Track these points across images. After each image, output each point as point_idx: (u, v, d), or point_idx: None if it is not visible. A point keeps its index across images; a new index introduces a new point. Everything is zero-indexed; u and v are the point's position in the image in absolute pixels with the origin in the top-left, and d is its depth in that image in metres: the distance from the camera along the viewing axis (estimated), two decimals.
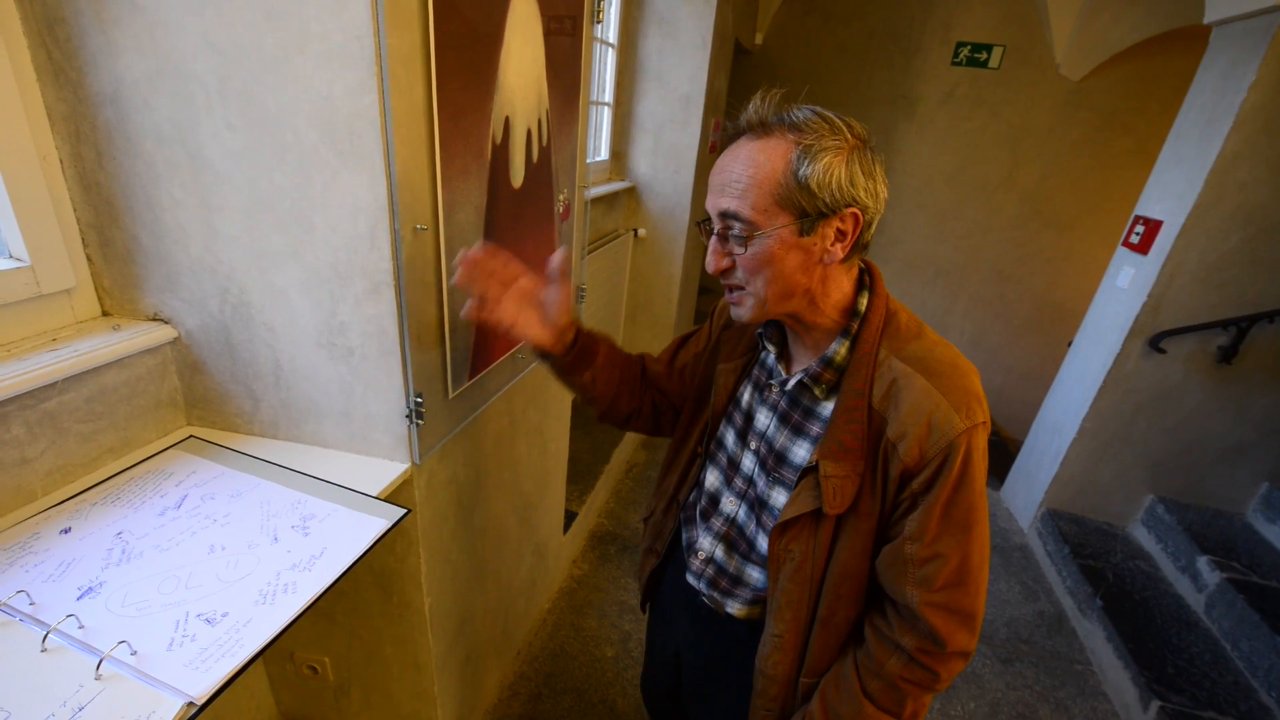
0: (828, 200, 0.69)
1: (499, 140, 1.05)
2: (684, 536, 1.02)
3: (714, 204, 0.74)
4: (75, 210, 0.94)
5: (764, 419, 0.87)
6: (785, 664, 0.85)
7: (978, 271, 4.36)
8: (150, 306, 1.00)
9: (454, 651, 1.39)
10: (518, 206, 1.17)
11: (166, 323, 1.01)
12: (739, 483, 0.91)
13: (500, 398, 1.33)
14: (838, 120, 0.70)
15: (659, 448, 3.16)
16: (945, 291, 4.48)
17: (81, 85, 0.85)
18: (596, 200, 2.75)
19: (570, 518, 2.23)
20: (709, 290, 4.54)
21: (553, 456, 1.84)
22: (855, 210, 0.70)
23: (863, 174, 0.70)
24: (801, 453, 0.81)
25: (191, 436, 1.06)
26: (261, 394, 1.04)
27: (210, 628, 0.70)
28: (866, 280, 0.80)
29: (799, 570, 0.81)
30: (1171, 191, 2.31)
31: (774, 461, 0.84)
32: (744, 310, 0.78)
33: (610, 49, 2.84)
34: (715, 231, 0.75)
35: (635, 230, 3.25)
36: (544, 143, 1.22)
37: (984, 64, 3.83)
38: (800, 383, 0.81)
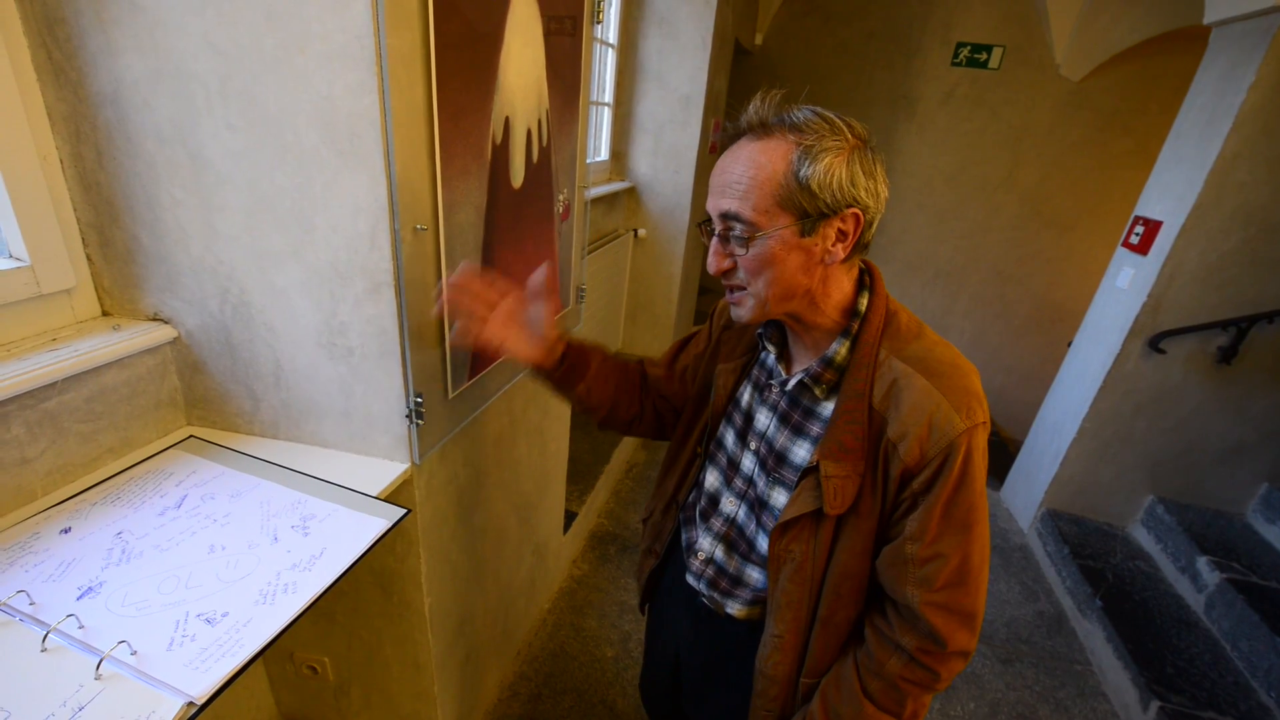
0: (829, 201, 0.69)
1: (499, 140, 1.05)
2: (683, 537, 1.02)
3: (715, 205, 0.74)
4: (75, 210, 0.94)
5: (764, 419, 0.87)
6: (785, 664, 0.85)
7: (978, 272, 4.36)
8: (150, 306, 1.00)
9: (454, 651, 1.39)
10: (518, 207, 1.17)
11: (167, 323, 1.01)
12: (739, 483, 0.91)
13: (500, 398, 1.33)
14: (838, 120, 0.70)
15: (659, 448, 3.16)
16: (945, 292, 4.48)
17: (82, 85, 0.86)
18: (596, 200, 2.75)
19: (570, 518, 2.23)
20: (709, 290, 4.54)
21: (553, 456, 1.84)
22: (856, 210, 0.70)
23: (863, 174, 0.70)
24: (802, 453, 0.81)
25: (191, 436, 1.06)
26: (261, 394, 1.04)
27: (210, 628, 0.70)
28: (867, 280, 0.81)
29: (799, 570, 0.81)
30: (1171, 192, 2.32)
31: (774, 462, 0.84)
32: (744, 310, 0.78)
33: (610, 49, 2.84)
34: (716, 232, 0.75)
35: (635, 230, 3.25)
36: (544, 143, 1.22)
37: (984, 64, 3.83)
38: (800, 383, 0.81)
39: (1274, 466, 2.51)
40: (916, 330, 0.79)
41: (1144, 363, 2.45)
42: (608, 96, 2.93)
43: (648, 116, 3.06)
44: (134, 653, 0.65)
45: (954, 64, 3.88)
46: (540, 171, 1.23)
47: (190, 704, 0.61)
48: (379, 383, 0.98)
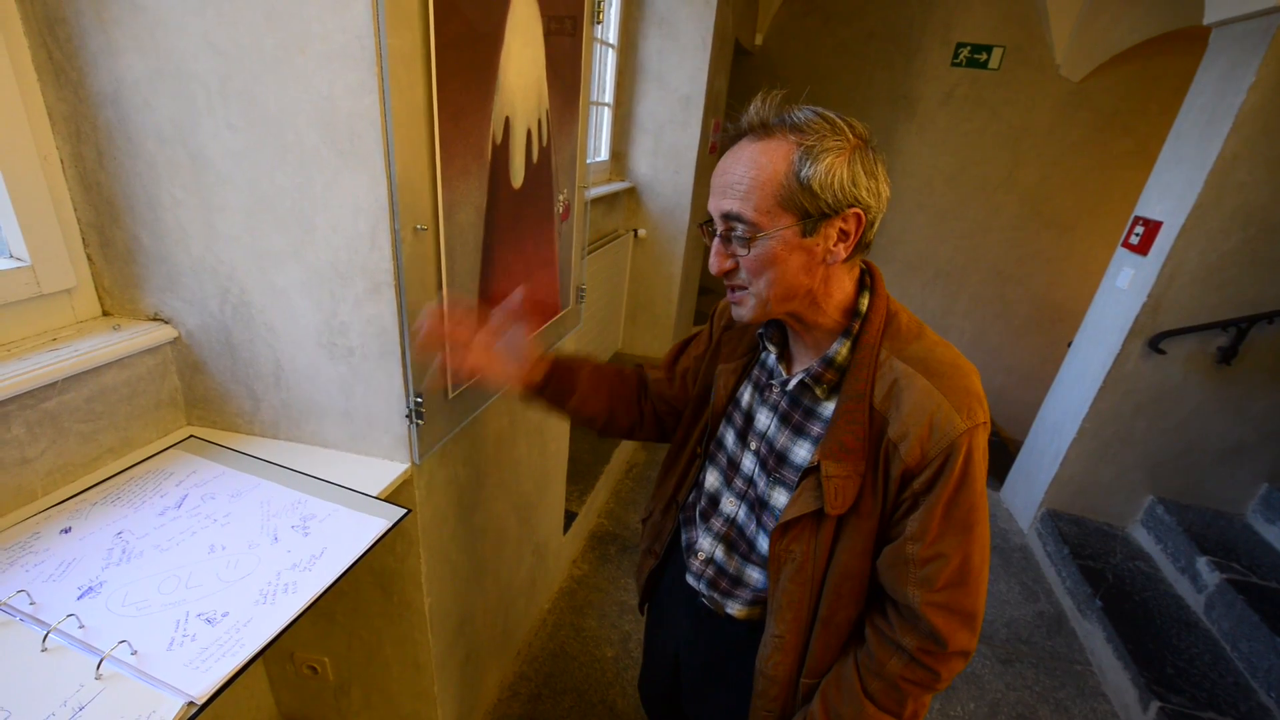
0: (830, 201, 0.69)
1: (499, 140, 1.05)
2: (683, 537, 1.02)
3: (716, 206, 0.74)
4: (76, 210, 0.94)
5: (764, 419, 0.87)
6: (786, 664, 0.85)
7: (978, 272, 4.36)
8: (151, 306, 1.00)
9: (454, 651, 1.39)
10: (518, 207, 1.17)
11: (167, 323, 1.01)
12: (739, 483, 0.91)
13: (500, 397, 1.33)
14: (839, 120, 0.70)
15: (659, 448, 3.16)
16: (945, 292, 4.48)
17: (82, 85, 0.86)
18: (596, 200, 2.75)
19: (570, 518, 2.23)
20: (709, 290, 4.54)
21: (553, 456, 1.84)
22: (858, 210, 0.70)
23: (865, 174, 0.70)
24: (802, 453, 0.81)
25: (192, 436, 1.06)
26: (262, 394, 1.04)
27: (210, 627, 0.70)
28: (868, 281, 0.81)
29: (800, 570, 0.81)
30: (1171, 192, 2.32)
31: (774, 462, 0.84)
32: (746, 310, 0.78)
33: (610, 49, 2.84)
34: (718, 233, 0.76)
35: (635, 230, 3.26)
36: (544, 143, 1.22)
37: (984, 65, 3.83)
38: (801, 383, 0.81)
39: (1274, 467, 2.51)
40: (917, 330, 0.79)
41: (1144, 363, 2.45)
42: (608, 97, 2.93)
43: (648, 117, 3.07)
44: (134, 652, 0.66)
45: (954, 64, 3.88)
46: (540, 171, 1.23)
47: (190, 704, 0.61)
48: (379, 383, 0.98)
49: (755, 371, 0.91)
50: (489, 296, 1.13)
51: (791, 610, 0.82)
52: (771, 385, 0.87)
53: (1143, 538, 2.68)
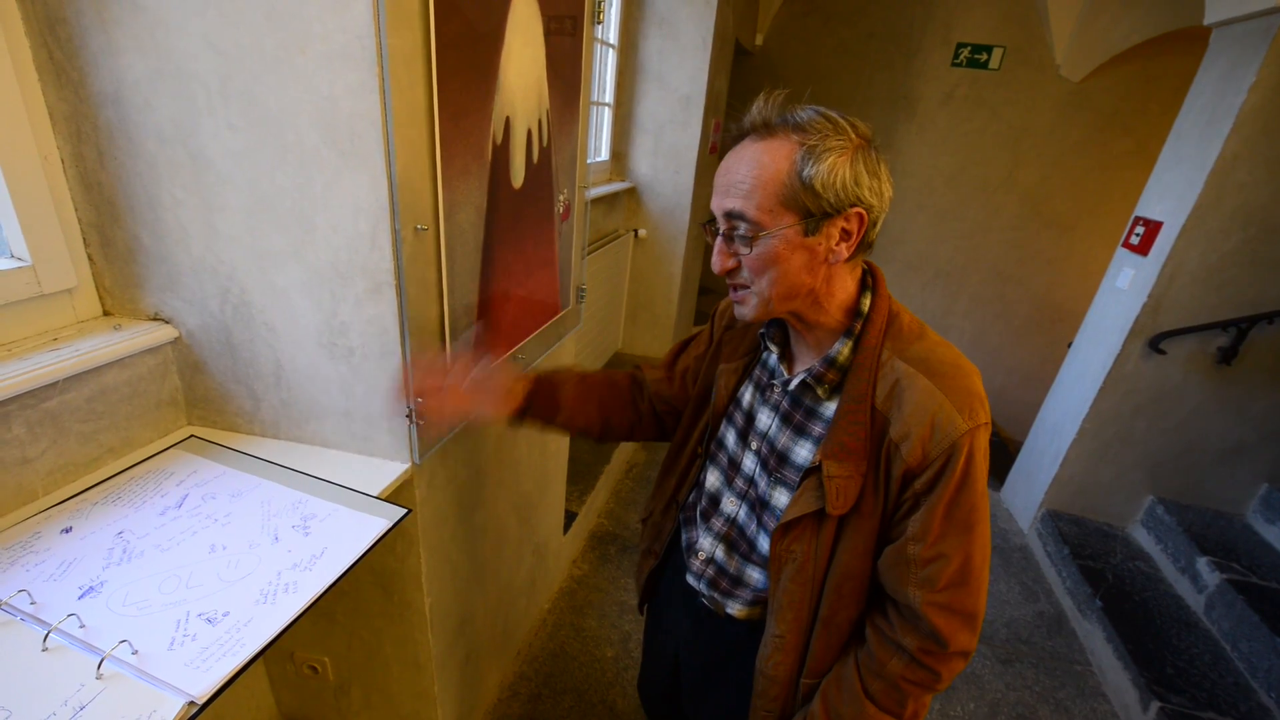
0: (832, 200, 0.69)
1: (499, 140, 1.05)
2: (684, 537, 1.02)
3: (719, 204, 0.74)
4: (76, 210, 0.94)
5: (765, 419, 0.87)
6: (786, 665, 0.86)
7: (978, 272, 4.36)
8: (151, 306, 1.00)
9: (454, 651, 1.39)
10: (518, 207, 1.17)
11: (167, 322, 1.01)
12: (740, 483, 0.91)
13: None
14: (842, 120, 0.70)
15: (659, 448, 3.16)
16: (945, 292, 4.48)
17: (83, 85, 0.86)
18: (597, 201, 2.75)
19: (570, 518, 2.23)
20: (709, 290, 4.54)
21: (553, 456, 1.84)
22: (860, 210, 0.71)
23: (867, 173, 0.70)
24: (804, 453, 0.81)
25: (192, 436, 1.06)
26: (262, 394, 1.04)
27: (211, 627, 0.70)
28: (869, 281, 0.81)
29: (801, 571, 0.81)
30: (1171, 192, 2.32)
31: (776, 462, 0.84)
32: (748, 309, 0.78)
33: (611, 50, 2.84)
34: (721, 232, 0.76)
35: (635, 231, 3.26)
36: (544, 143, 1.22)
37: (984, 65, 3.83)
38: (803, 383, 0.81)
39: (1274, 467, 2.51)
40: (918, 331, 0.79)
41: (1144, 363, 2.45)
42: (608, 97, 2.94)
43: (648, 117, 3.07)
44: (135, 652, 0.66)
45: (954, 64, 3.88)
46: (540, 172, 1.23)
47: (191, 703, 0.61)
48: (380, 382, 0.98)
49: (756, 371, 0.91)
50: (488, 297, 1.13)
51: (792, 610, 0.82)
52: (773, 385, 0.87)
53: (1143, 538, 2.68)
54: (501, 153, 1.07)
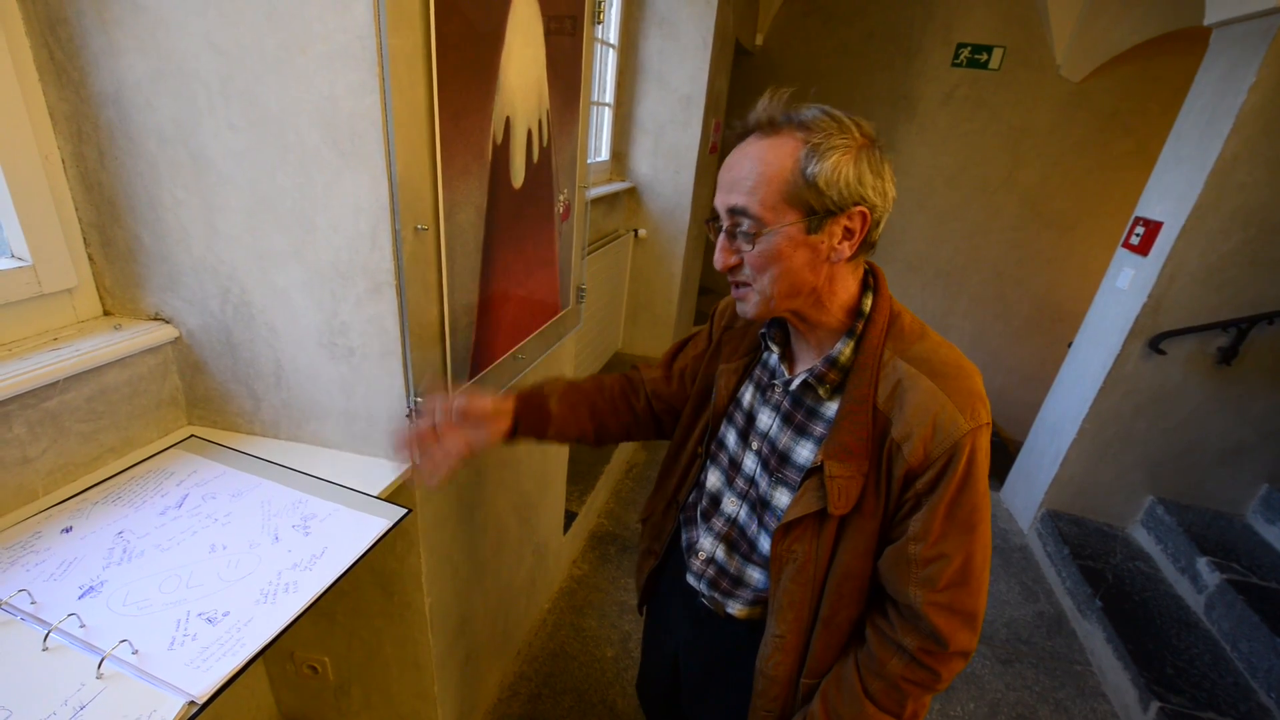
0: (835, 198, 0.69)
1: (500, 140, 1.05)
2: (684, 537, 1.02)
3: (723, 201, 0.74)
4: (77, 210, 0.94)
5: (766, 419, 0.87)
6: (786, 665, 0.86)
7: (978, 272, 4.36)
8: (152, 306, 1.00)
9: (454, 651, 1.39)
10: (518, 206, 1.17)
11: (168, 322, 1.01)
12: (740, 483, 0.91)
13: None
14: (846, 119, 0.70)
15: (659, 448, 3.16)
16: (945, 292, 4.48)
17: (84, 85, 0.86)
18: (597, 201, 2.75)
19: (570, 518, 2.23)
20: (709, 290, 4.54)
21: (553, 457, 1.84)
22: (863, 209, 0.71)
23: (871, 173, 0.70)
24: (805, 453, 0.81)
25: (193, 436, 1.06)
26: (263, 394, 1.04)
27: (211, 627, 0.70)
28: (871, 281, 0.81)
29: (801, 571, 0.81)
30: (1172, 193, 2.32)
31: (777, 462, 0.84)
32: (749, 306, 0.78)
33: (611, 49, 2.84)
34: (724, 228, 0.76)
35: (635, 231, 3.26)
36: (544, 143, 1.22)
37: (984, 65, 3.83)
38: (804, 383, 0.81)
39: (1274, 467, 2.51)
40: (920, 331, 0.79)
41: (1144, 363, 2.45)
42: (608, 97, 2.94)
43: (648, 117, 3.07)
44: (135, 652, 0.66)
45: (954, 65, 3.88)
46: (540, 172, 1.23)
47: (191, 703, 0.61)
48: (380, 382, 0.98)
49: (757, 371, 0.91)
50: (488, 297, 1.13)
51: (793, 610, 0.82)
52: (774, 385, 0.87)
53: (1143, 538, 2.68)
54: (502, 153, 1.07)
